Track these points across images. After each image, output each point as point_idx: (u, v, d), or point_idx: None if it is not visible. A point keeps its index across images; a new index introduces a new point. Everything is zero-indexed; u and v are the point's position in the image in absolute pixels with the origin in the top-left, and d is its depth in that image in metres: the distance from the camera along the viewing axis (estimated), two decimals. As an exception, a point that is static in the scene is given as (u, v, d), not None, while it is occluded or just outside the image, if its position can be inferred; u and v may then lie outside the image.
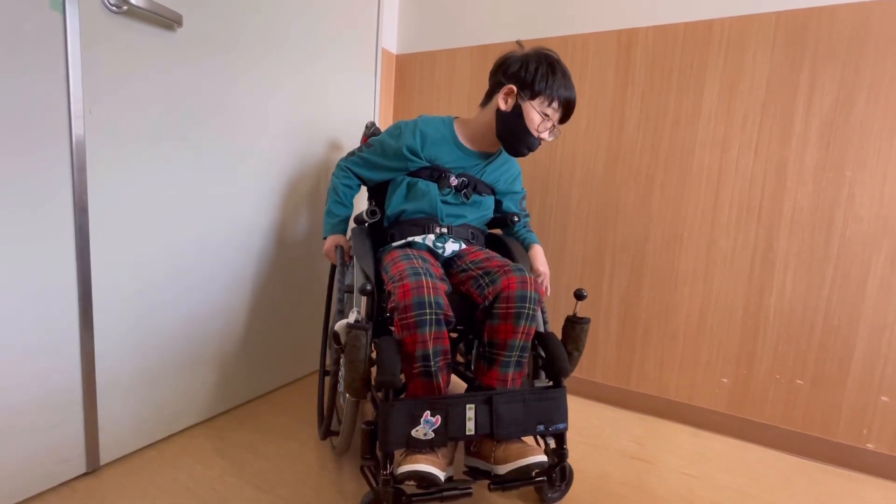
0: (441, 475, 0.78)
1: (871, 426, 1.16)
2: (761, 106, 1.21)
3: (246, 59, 1.15)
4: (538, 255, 1.13)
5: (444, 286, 0.88)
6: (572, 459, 1.13)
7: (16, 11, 0.76)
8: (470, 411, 0.81)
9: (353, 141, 1.53)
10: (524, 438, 0.86)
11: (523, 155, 1.05)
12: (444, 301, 0.85)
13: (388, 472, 0.78)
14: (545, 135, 1.01)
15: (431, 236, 1.01)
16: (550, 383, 0.91)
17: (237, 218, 1.20)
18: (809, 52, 1.15)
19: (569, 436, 1.25)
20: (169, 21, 0.96)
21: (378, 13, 1.56)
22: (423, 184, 1.04)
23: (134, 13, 0.91)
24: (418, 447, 0.79)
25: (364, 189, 1.20)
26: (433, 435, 0.79)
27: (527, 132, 0.99)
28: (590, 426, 1.32)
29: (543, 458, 0.81)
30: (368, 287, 0.87)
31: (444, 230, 1.03)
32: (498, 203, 1.16)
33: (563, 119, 1.03)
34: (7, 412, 0.83)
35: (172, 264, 1.06)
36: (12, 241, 0.80)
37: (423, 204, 1.03)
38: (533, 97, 0.98)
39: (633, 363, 1.42)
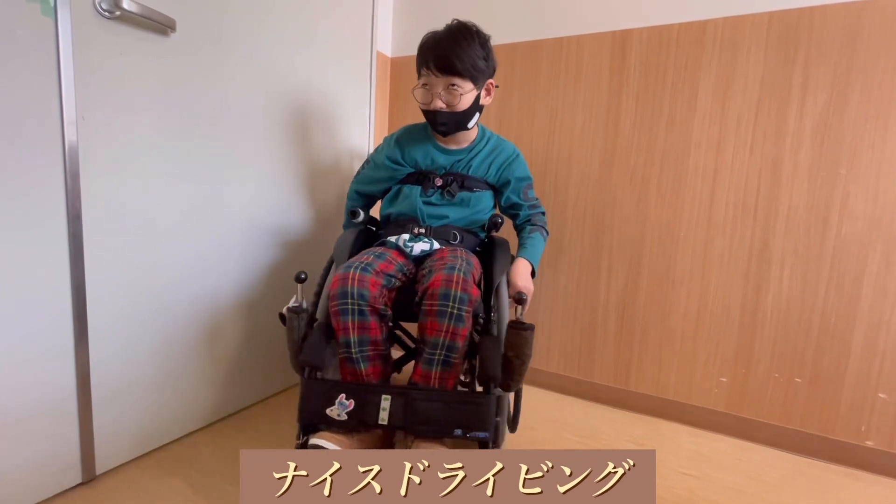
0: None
1: (869, 423, 1.17)
2: (755, 105, 1.21)
3: (240, 64, 1.14)
4: (517, 268, 1.04)
5: (376, 280, 0.91)
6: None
7: (7, 17, 0.76)
8: (385, 402, 0.85)
9: (348, 145, 1.53)
10: (446, 441, 0.87)
11: (443, 133, 1.06)
12: (369, 294, 0.89)
13: (300, 441, 0.87)
14: (434, 104, 1.00)
15: (405, 236, 1.04)
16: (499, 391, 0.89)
17: (232, 224, 1.19)
18: (802, 51, 1.16)
19: (567, 436, 1.27)
20: (162, 26, 0.95)
21: (372, 15, 1.55)
22: (407, 188, 1.10)
23: (127, 19, 0.90)
24: (335, 427, 0.85)
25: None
26: (346, 417, 0.84)
27: (423, 112, 1.06)
28: (588, 427, 1.32)
29: None
30: (303, 276, 0.95)
31: (422, 231, 1.05)
32: (500, 197, 1.14)
33: (447, 70, 0.98)
34: (1, 422, 0.82)
35: (167, 271, 1.05)
36: (4, 249, 0.79)
37: (405, 206, 1.09)
38: (418, 78, 1.05)
39: (631, 363, 1.42)
